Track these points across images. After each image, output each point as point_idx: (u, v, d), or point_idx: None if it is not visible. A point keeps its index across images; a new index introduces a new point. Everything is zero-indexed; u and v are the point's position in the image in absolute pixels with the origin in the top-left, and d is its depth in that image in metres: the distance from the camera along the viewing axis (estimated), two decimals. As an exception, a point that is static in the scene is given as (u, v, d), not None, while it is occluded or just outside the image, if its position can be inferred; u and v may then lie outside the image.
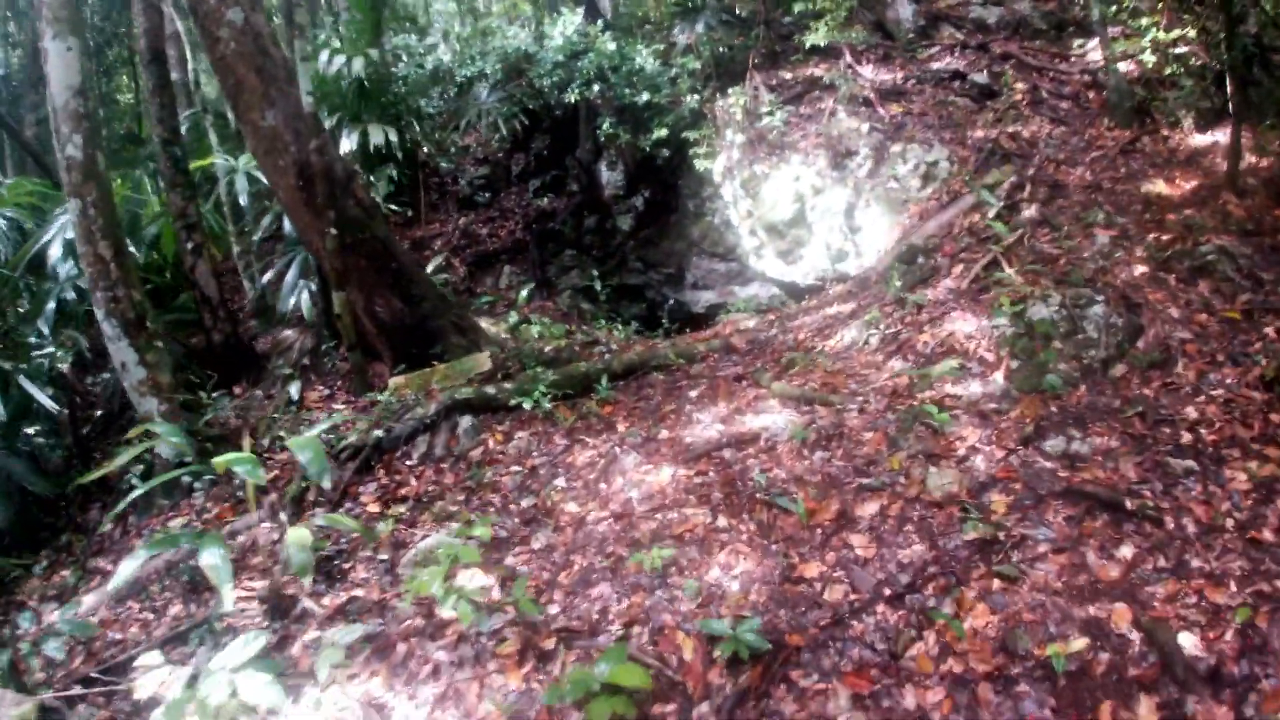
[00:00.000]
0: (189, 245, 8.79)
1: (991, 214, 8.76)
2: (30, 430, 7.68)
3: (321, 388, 8.73)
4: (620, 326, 11.18)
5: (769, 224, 10.94)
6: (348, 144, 10.92)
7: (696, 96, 11.39)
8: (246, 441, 5.64)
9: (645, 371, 7.74)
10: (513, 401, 7.27)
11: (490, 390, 7.40)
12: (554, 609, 4.86)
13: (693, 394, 7.15)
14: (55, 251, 8.41)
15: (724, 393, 7.03)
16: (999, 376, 6.12)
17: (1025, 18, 12.30)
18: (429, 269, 10.73)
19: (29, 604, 7.12)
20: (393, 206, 11.60)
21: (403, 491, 6.69)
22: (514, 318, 10.70)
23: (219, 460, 4.87)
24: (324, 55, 11.12)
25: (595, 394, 7.37)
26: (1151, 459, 5.03)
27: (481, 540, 5.38)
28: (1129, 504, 4.67)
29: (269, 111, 7.74)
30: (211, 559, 4.74)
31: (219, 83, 8.04)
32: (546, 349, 7.98)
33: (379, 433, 7.05)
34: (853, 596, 4.49)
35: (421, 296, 8.40)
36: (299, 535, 4.91)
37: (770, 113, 11.09)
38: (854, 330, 7.52)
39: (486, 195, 13.79)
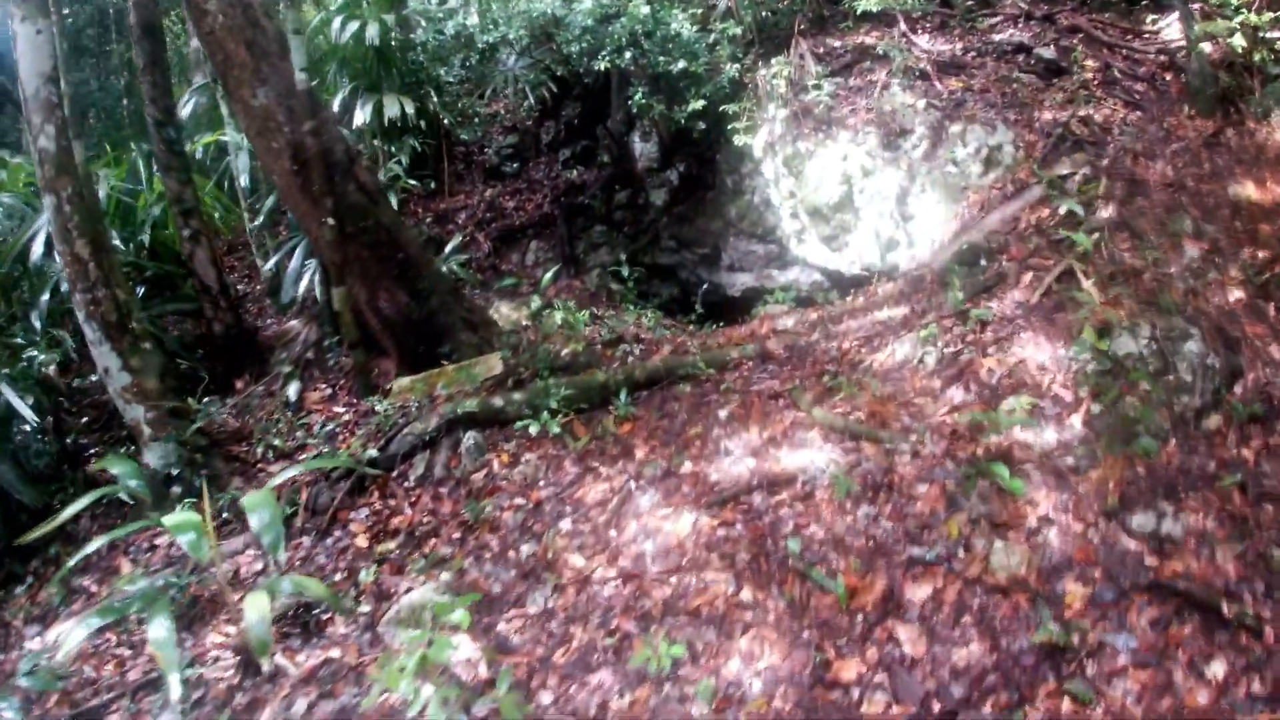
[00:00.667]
0: (186, 232, 8.11)
1: (1063, 210, 7.76)
2: (18, 436, 7.12)
3: (324, 385, 8.06)
4: (650, 313, 10.36)
5: (812, 206, 9.98)
6: (361, 116, 10.12)
7: (736, 65, 10.38)
8: (206, 504, 4.95)
9: (671, 381, 6.93)
10: (522, 418, 6.53)
11: (498, 402, 6.66)
12: (546, 696, 4.15)
13: (722, 413, 6.34)
14: (38, 248, 7.78)
15: (757, 414, 6.22)
16: (1077, 421, 5.23)
17: (1095, -15, 11.06)
18: (450, 247, 9.96)
19: (13, 624, 6.62)
20: (411, 182, 10.81)
21: (395, 521, 6.02)
22: (536, 302, 9.92)
23: (167, 521, 4.20)
24: (336, 21, 10.28)
25: (614, 408, 6.60)
26: (1254, 549, 4.14)
27: (471, 600, 4.68)
28: (1225, 608, 3.82)
29: (260, 89, 6.98)
30: (159, 632, 4.09)
31: (209, 59, 7.28)
32: (563, 352, 7.20)
33: (373, 452, 6.36)
34: (895, 709, 3.71)
35: (430, 290, 7.65)
36: (257, 604, 4.23)
37: (817, 84, 10.06)
38: (907, 345, 6.63)
39: (514, 165, 12.94)
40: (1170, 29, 10.27)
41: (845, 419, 5.79)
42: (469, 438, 6.48)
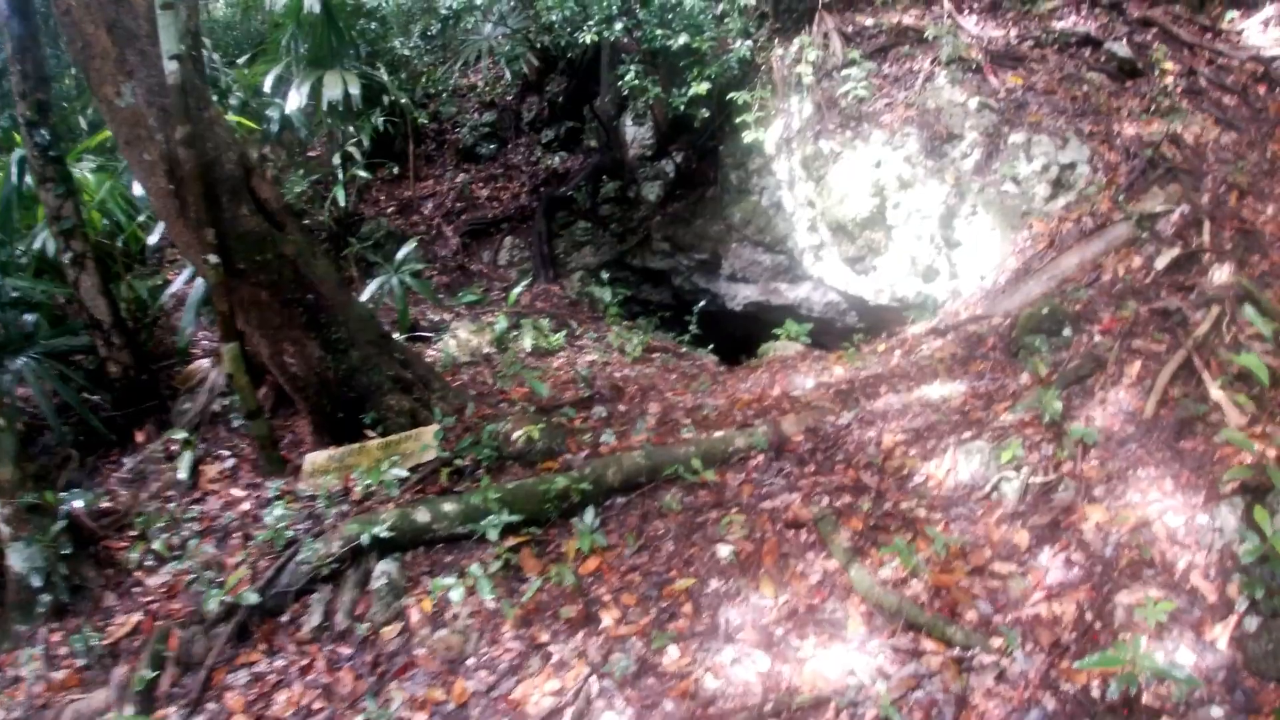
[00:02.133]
0: (68, 255, 6.18)
1: (1160, 263, 5.92)
2: None
3: (226, 454, 6.22)
4: (637, 335, 8.52)
5: (836, 220, 8.08)
6: (296, 98, 8.11)
7: (748, 43, 8.38)
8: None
9: (655, 485, 5.14)
10: (455, 538, 4.76)
11: (422, 516, 4.84)
12: None
13: (723, 550, 4.56)
14: None
15: (772, 559, 4.44)
16: (1223, 639, 3.49)
17: (1163, -30, 9.05)
18: (403, 252, 8.01)
19: None
20: (361, 173, 8.85)
21: (280, 698, 4.25)
22: (502, 323, 8.07)
23: None
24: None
25: (577, 529, 4.81)
26: None
27: None
28: None
29: (126, 85, 5.04)
30: None
31: (69, 46, 5.30)
32: (516, 435, 5.35)
33: (253, 597, 4.57)
34: None
35: (349, 340, 5.76)
36: None
37: (846, 71, 8.10)
38: (975, 457, 4.82)
39: (491, 147, 10.96)
40: (1255, 31, 8.32)
41: (898, 593, 4.02)
42: (382, 570, 4.69)
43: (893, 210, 7.76)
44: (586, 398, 6.29)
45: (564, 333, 8.44)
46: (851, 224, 7.93)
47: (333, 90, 7.95)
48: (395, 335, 7.77)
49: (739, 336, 10.32)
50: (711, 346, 8.99)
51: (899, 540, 4.22)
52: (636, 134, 9.85)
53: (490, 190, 10.64)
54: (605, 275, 9.07)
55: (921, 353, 6.29)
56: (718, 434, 5.45)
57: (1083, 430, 4.61)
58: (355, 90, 8.04)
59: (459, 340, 7.93)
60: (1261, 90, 7.67)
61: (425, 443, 5.50)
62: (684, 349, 9.04)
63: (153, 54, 5.04)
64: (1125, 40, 8.10)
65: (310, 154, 10.60)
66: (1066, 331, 5.58)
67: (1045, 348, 5.54)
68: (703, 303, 8.95)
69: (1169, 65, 7.88)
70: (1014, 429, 4.88)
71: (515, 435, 5.28)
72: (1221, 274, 5.67)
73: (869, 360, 6.55)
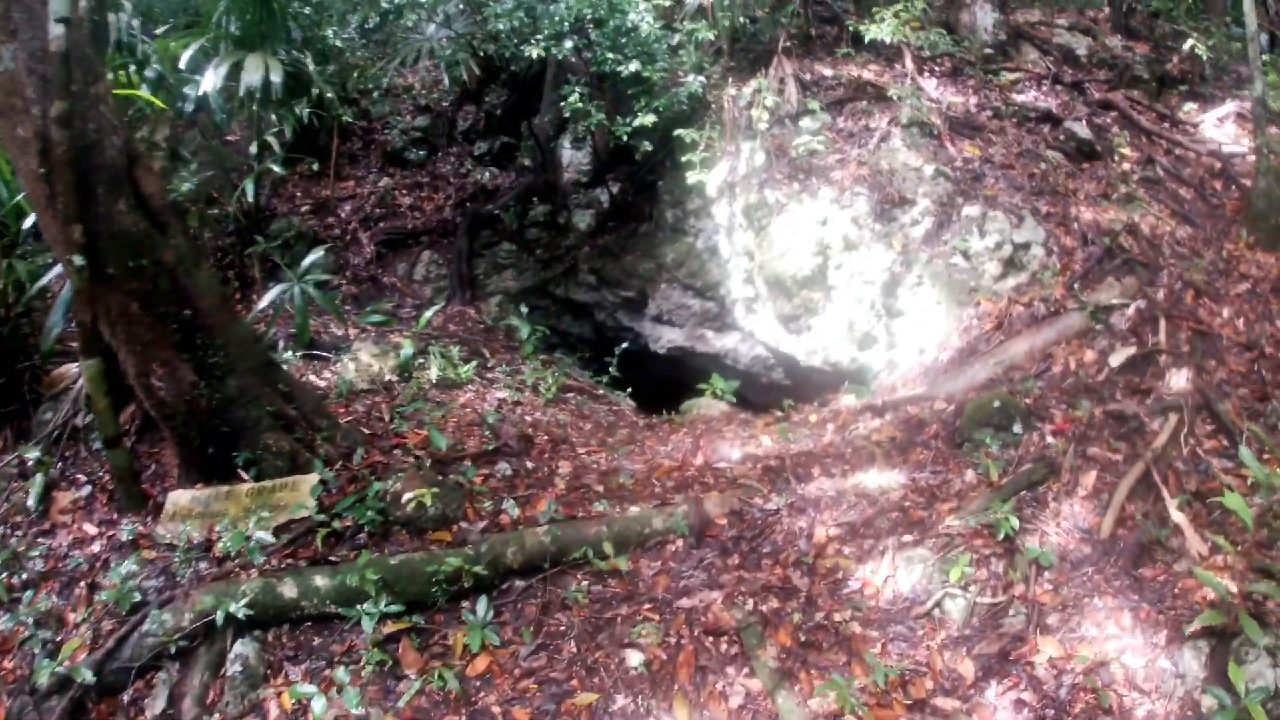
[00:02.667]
0: None
1: (1115, 361, 5.64)
2: None
3: (83, 479, 5.36)
4: (553, 374, 7.89)
5: (774, 275, 7.64)
6: (214, 78, 7.26)
7: (700, 79, 7.90)
8: None
9: (560, 569, 4.53)
10: (324, 617, 4.06)
11: (289, 591, 4.13)
12: None
13: (634, 658, 3.98)
14: None
15: (687, 673, 3.88)
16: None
17: (1121, 59, 9.02)
18: (310, 259, 7.18)
19: None
20: (275, 168, 8.04)
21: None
22: (408, 349, 7.34)
23: None
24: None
25: (466, 623, 4.17)
26: None
27: None
28: None
29: (6, 47, 4.28)
30: None
31: None
32: (406, 498, 4.67)
33: (89, 675, 3.80)
34: None
35: (228, 367, 5.00)
36: None
37: (803, 121, 7.71)
38: (916, 568, 4.37)
39: (420, 153, 10.20)
40: (1213, 127, 8.28)
41: (832, 732, 3.50)
42: (240, 652, 3.97)
43: (835, 271, 7.37)
44: (491, 450, 5.64)
45: (475, 363, 7.76)
46: (791, 280, 7.50)
47: (253, 75, 7.14)
48: (290, 354, 7.01)
49: (660, 379, 9.80)
50: (630, 391, 8.45)
51: (835, 676, 3.70)
52: (574, 158, 9.28)
53: (414, 199, 9.88)
54: (525, 309, 8.41)
55: (857, 431, 5.86)
56: (633, 511, 4.88)
57: (1038, 551, 4.21)
58: (277, 78, 7.24)
59: (359, 364, 7.18)
60: (1218, 185, 7.57)
61: (300, 499, 4.77)
62: (601, 390, 8.47)
63: (41, 14, 4.28)
64: (1085, 121, 7.94)
65: (230, 138, 9.70)
66: (1017, 428, 5.21)
67: (994, 443, 5.16)
68: (625, 344, 8.39)
69: (1127, 151, 7.74)
70: (961, 539, 4.45)
71: (405, 498, 4.60)
72: (1179, 379, 5.41)
73: (799, 433, 6.09)
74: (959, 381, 6.06)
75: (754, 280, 7.93)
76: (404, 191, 10.06)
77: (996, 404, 5.30)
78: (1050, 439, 5.12)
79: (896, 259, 7.09)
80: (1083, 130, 7.74)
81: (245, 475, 5.00)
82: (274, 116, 8.41)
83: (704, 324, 8.98)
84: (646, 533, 4.74)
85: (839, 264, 7.33)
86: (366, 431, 5.78)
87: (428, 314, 8.00)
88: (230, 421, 5.04)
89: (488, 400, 7.09)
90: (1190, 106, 8.55)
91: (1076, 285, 6.30)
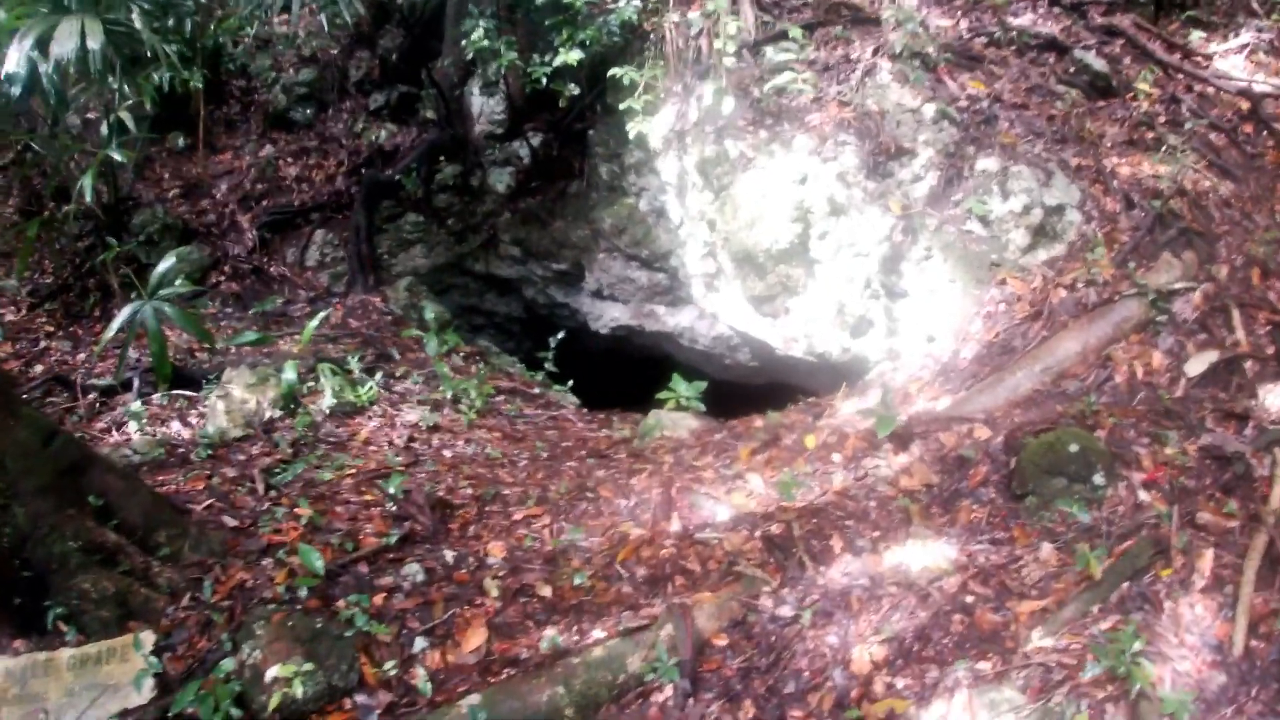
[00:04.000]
0: None
1: (1194, 371, 4.42)
2: None
3: None
4: (475, 385, 6.38)
5: (743, 248, 6.18)
6: (17, 53, 5.35)
7: (636, 3, 6.26)
8: None
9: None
10: None
11: None
12: None
13: None
14: None
15: None
16: None
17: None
18: (163, 267, 5.38)
19: None
20: (115, 154, 6.22)
21: None
22: (291, 373, 5.74)
23: None
24: None
25: None
26: None
27: None
28: None
29: None
30: None
31: None
32: (270, 677, 3.17)
33: None
34: None
35: (8, 490, 3.40)
36: None
37: (758, 50, 6.18)
38: (1006, 715, 3.12)
39: (308, 112, 8.40)
40: (1233, 60, 6.94)
41: None
42: None
43: (818, 241, 5.95)
44: (396, 542, 4.16)
45: (379, 375, 6.21)
46: (763, 254, 6.06)
47: (65, 44, 5.26)
48: (152, 395, 5.39)
49: (606, 360, 8.40)
50: (572, 384, 7.02)
51: None
52: (485, 107, 7.55)
53: (301, 168, 8.14)
54: (447, 315, 6.89)
55: (878, 471, 4.54)
56: (597, 652, 3.47)
57: (1175, 700, 2.97)
58: (96, 44, 5.36)
59: (231, 401, 5.56)
60: (1249, 130, 6.31)
61: (127, 664, 3.26)
62: (538, 389, 7.02)
63: None
64: (1095, 51, 6.55)
65: (91, 115, 7.77)
66: (1098, 478, 3.94)
67: (1070, 502, 3.89)
68: (561, 333, 6.90)
69: (1146, 88, 6.41)
70: (1061, 670, 3.18)
71: (269, 676, 3.11)
72: (1275, 397, 4.20)
73: (799, 472, 4.73)
74: (997, 393, 4.77)
75: (716, 254, 6.47)
76: (289, 160, 8.31)
77: (1072, 447, 4.00)
78: (1142, 493, 3.88)
79: (896, 225, 5.71)
80: (1096, 62, 6.37)
81: (66, 629, 3.47)
82: (127, 87, 6.53)
83: (653, 299, 7.52)
84: (620, 681, 3.36)
85: (823, 232, 5.91)
86: (232, 523, 4.24)
87: (312, 325, 6.37)
88: (31, 563, 3.46)
89: (396, 430, 5.62)
90: (1197, 35, 7.18)
91: (1132, 264, 5.01)
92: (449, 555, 4.18)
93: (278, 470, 4.88)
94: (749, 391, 8.13)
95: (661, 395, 5.83)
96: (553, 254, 7.56)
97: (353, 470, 5.01)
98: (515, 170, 7.48)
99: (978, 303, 5.43)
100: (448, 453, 5.51)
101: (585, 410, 6.99)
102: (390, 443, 5.50)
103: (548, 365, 6.88)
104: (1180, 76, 6.61)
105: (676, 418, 5.67)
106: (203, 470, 4.82)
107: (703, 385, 5.94)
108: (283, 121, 8.33)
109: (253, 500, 4.56)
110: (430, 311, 7.46)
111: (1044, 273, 5.28)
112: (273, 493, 4.65)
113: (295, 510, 4.37)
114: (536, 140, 7.28)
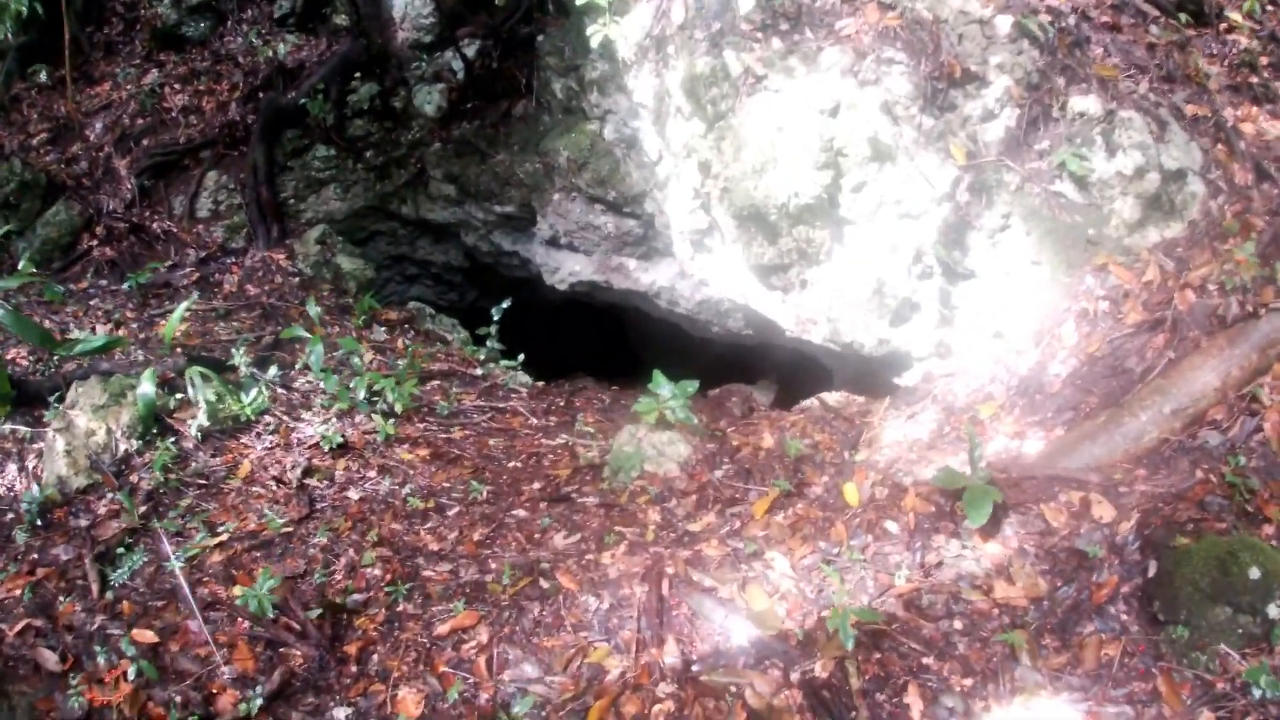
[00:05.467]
0: None
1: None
2: None
3: None
4: (399, 374, 4.99)
5: (748, 201, 4.70)
6: None
7: None
8: None
9: None
10: None
11: None
12: None
13: None
14: None
15: None
16: None
17: None
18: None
19: None
20: None
21: None
22: (148, 389, 4.33)
23: None
24: None
25: None
26: None
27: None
28: None
29: None
30: None
31: None
32: None
33: None
34: None
35: None
36: None
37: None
38: None
39: (203, 25, 6.69)
40: None
41: None
42: None
43: (851, 196, 4.52)
44: (266, 699, 2.84)
45: (274, 370, 4.80)
46: (776, 211, 4.61)
47: None
48: None
49: (564, 318, 7.01)
50: (523, 356, 5.67)
51: None
52: (408, 9, 5.85)
53: (188, 96, 6.55)
54: (363, 271, 5.42)
55: (961, 564, 3.28)
56: None
57: None
58: None
59: (73, 435, 4.14)
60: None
61: None
62: (479, 367, 5.65)
63: None
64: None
65: None
66: (1273, 609, 2.73)
67: (1229, 636, 2.69)
68: (505, 304, 5.47)
69: (1239, 18, 5.01)
70: None
71: None
72: None
73: (838, 540, 3.47)
74: (1113, 440, 3.52)
75: (710, 207, 5.00)
76: (176, 87, 6.67)
77: (1252, 572, 2.76)
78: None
79: (961, 180, 4.31)
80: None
81: None
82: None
83: (622, 250, 6.07)
84: None
85: (859, 183, 4.48)
86: (52, 662, 2.93)
87: (176, 315, 4.92)
88: None
89: (291, 455, 4.29)
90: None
91: (1277, 262, 3.69)
92: (337, 713, 2.86)
93: (123, 548, 3.57)
94: (740, 353, 6.84)
95: (638, 407, 4.46)
96: (495, 193, 6.01)
97: (222, 538, 3.68)
98: (446, 88, 5.93)
99: (1069, 294, 4.11)
100: (354, 493, 4.17)
101: (540, 394, 5.67)
102: (280, 480, 4.15)
103: (490, 343, 5.51)
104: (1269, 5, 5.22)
105: (660, 441, 4.32)
106: (26, 558, 3.51)
107: (693, 387, 4.57)
108: (174, 40, 6.85)
109: (84, 612, 3.22)
110: (347, 266, 5.98)
111: (1159, 261, 3.96)
112: (109, 595, 3.32)
113: (133, 635, 3.04)
114: (472, 49, 5.68)
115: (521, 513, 4.05)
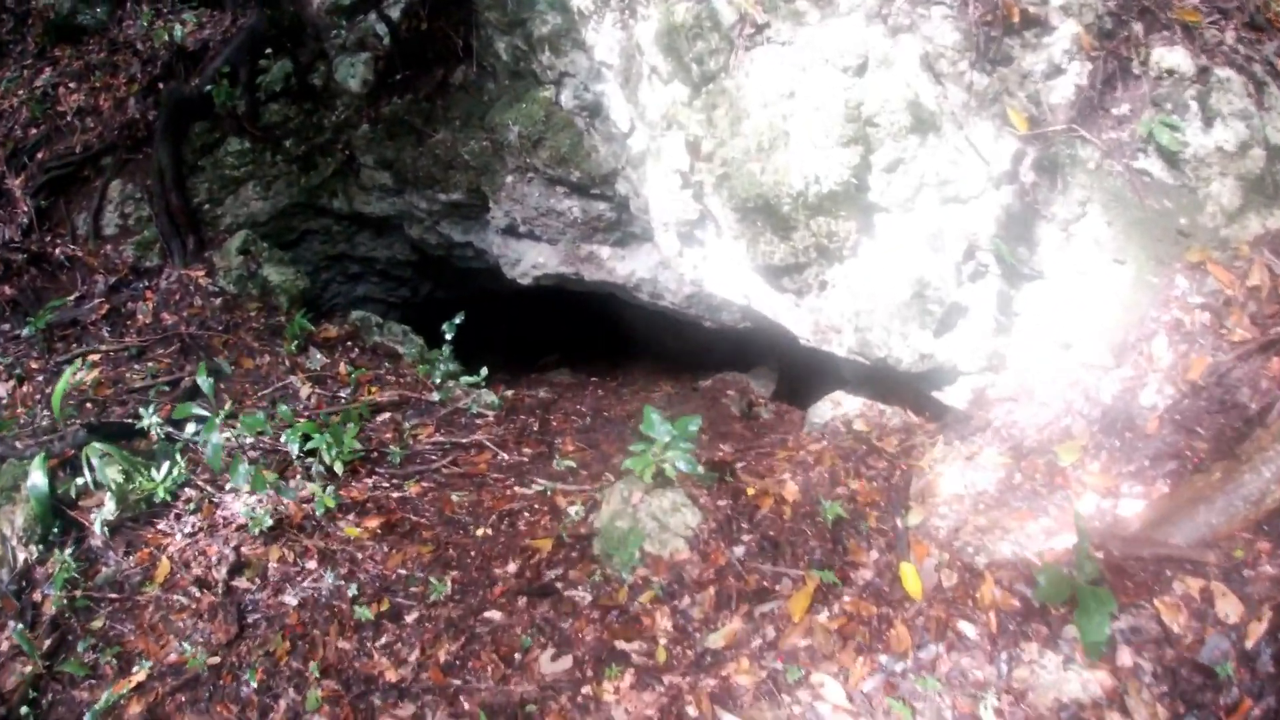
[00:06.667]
0: None
1: None
2: None
3: None
4: (340, 423, 4.21)
5: (753, 188, 3.85)
6: None
7: None
8: None
9: None
10: None
11: None
12: None
13: None
14: None
15: None
16: None
17: None
18: None
19: None
20: None
21: None
22: (39, 479, 3.72)
23: None
24: None
25: None
26: None
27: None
28: None
29: None
30: None
31: None
32: None
33: None
34: None
35: None
36: None
37: None
38: None
39: (99, 11, 5.75)
40: None
41: None
42: None
43: (884, 177, 3.71)
44: None
45: (191, 430, 4.02)
46: (790, 200, 3.78)
47: None
48: None
49: (535, 308, 6.25)
50: (485, 372, 4.93)
51: None
52: (324, -33, 4.88)
53: (85, 94, 5.68)
54: (294, 282, 4.61)
55: (1065, 687, 2.61)
56: None
57: None
58: None
59: None
60: None
61: None
62: (436, 392, 4.89)
63: None
64: None
65: None
66: None
67: None
68: (458, 318, 4.68)
69: None
70: None
71: None
72: None
73: (902, 654, 2.79)
74: (1231, 502, 2.88)
75: (703, 196, 4.16)
76: (70, 86, 5.74)
77: None
78: None
79: (1024, 155, 3.52)
80: None
81: None
82: None
83: (592, 237, 5.22)
84: None
85: (894, 161, 3.65)
86: None
87: (62, 384, 4.15)
88: None
89: (215, 545, 3.60)
90: None
91: None
92: None
93: (27, 705, 2.94)
94: (735, 334, 6.07)
95: (630, 463, 3.70)
96: (438, 179, 5.12)
97: (140, 677, 2.99)
98: (372, 57, 5.05)
99: (1158, 300, 3.36)
100: (291, 597, 3.45)
101: (509, 415, 4.93)
102: (204, 583, 3.41)
103: (442, 363, 4.73)
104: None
105: (661, 509, 3.58)
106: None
107: (694, 424, 3.81)
108: (70, 32, 5.96)
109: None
110: (275, 278, 5.14)
111: (1265, 261, 3.21)
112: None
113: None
114: (397, 9, 4.75)
115: (496, 615, 3.33)
